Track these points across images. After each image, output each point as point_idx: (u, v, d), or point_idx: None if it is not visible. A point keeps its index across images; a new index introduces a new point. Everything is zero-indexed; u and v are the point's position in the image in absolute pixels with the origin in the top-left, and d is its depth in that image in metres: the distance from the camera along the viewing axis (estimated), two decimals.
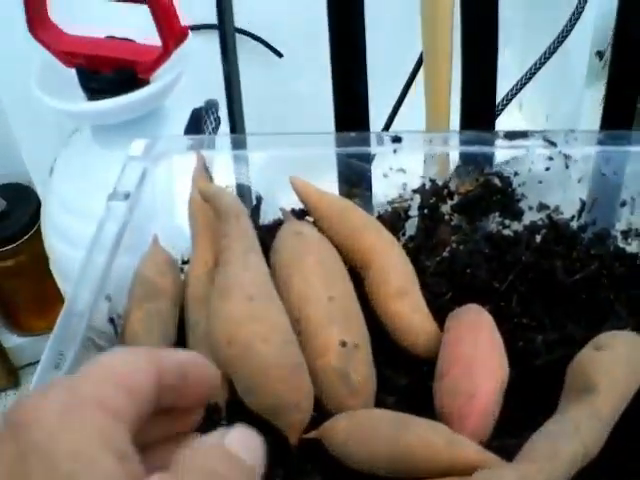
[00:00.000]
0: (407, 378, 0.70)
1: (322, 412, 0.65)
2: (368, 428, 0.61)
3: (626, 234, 0.79)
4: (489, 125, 0.84)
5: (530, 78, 1.46)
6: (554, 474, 0.57)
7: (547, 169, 0.78)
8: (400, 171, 0.79)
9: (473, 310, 0.70)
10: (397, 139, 0.79)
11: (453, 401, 0.65)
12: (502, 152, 0.81)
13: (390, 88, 1.48)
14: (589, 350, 0.67)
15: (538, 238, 0.77)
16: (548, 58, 1.45)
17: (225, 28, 0.84)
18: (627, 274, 0.77)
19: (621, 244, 0.78)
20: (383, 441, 0.60)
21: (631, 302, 0.75)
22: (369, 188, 0.84)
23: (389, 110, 1.50)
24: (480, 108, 0.84)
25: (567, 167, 0.77)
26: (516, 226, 0.79)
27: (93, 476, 0.31)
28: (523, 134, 0.78)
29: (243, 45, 1.63)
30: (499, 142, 0.80)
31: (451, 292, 0.74)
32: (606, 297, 0.76)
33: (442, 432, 0.62)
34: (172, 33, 1.01)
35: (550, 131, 0.78)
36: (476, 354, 0.66)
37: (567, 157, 0.78)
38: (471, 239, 0.78)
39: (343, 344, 0.66)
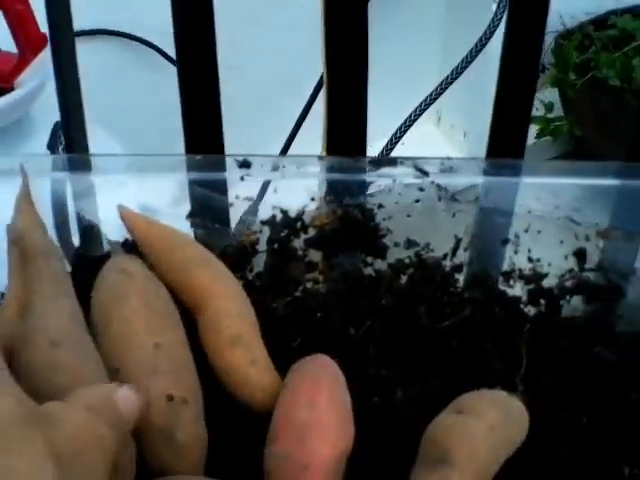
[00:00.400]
0: (244, 438, 0.61)
1: (146, 472, 0.56)
2: None
3: (508, 275, 0.70)
4: (358, 150, 0.74)
5: (446, 87, 1.38)
6: None
7: (417, 201, 0.68)
8: (247, 200, 0.68)
9: (316, 362, 0.61)
10: (245, 164, 0.69)
11: (284, 471, 0.56)
12: (371, 181, 0.71)
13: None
14: (448, 414, 0.58)
15: (404, 279, 0.67)
16: (467, 65, 1.36)
17: (57, 26, 0.73)
18: (507, 320, 0.68)
19: (502, 287, 0.68)
20: None
21: (509, 354, 0.66)
22: (225, 220, 0.74)
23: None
24: (348, 130, 0.74)
25: (440, 199, 0.68)
26: (380, 264, 0.68)
27: None
28: (391, 161, 0.70)
29: (136, 52, 1.56)
30: (364, 170, 0.69)
31: (300, 339, 0.64)
32: (481, 347, 0.66)
33: None
34: (29, 40, 0.99)
35: (422, 158, 0.68)
36: (312, 416, 0.58)
37: (440, 188, 0.68)
38: (326, 278, 0.67)
39: (170, 398, 0.57)
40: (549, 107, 1.92)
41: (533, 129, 1.91)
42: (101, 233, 0.75)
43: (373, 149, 1.22)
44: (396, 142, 1.43)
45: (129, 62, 1.64)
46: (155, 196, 0.74)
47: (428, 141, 1.89)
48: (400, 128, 1.43)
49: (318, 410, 0.58)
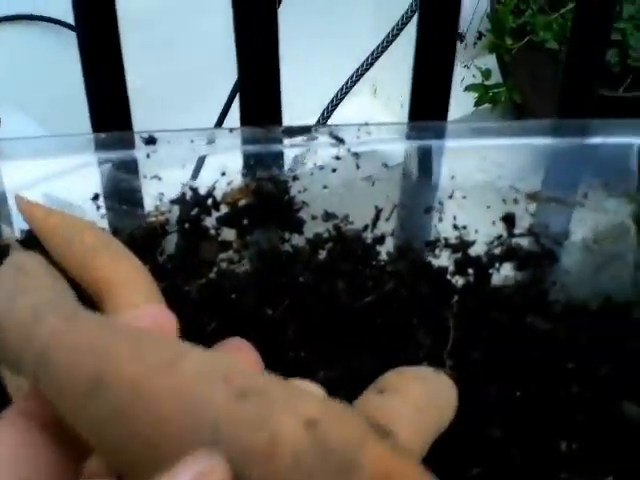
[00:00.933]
0: None
1: None
2: None
3: (433, 245, 0.66)
4: (271, 120, 0.70)
5: (379, 55, 1.34)
6: None
7: (334, 170, 0.64)
8: (155, 178, 0.64)
9: (230, 346, 0.56)
10: (151, 140, 0.65)
11: None
12: (285, 152, 0.67)
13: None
14: (370, 394, 0.54)
15: (323, 254, 0.63)
16: (399, 32, 1.33)
17: None
18: (433, 293, 0.64)
19: (427, 257, 0.64)
20: None
21: (436, 328, 0.62)
22: (135, 201, 0.69)
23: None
24: (261, 101, 0.70)
25: (358, 168, 0.64)
26: (297, 240, 0.64)
27: None
28: (305, 129, 0.65)
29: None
30: (278, 140, 0.65)
31: (215, 322, 0.59)
32: (406, 323, 0.62)
33: None
34: None
35: (339, 125, 0.64)
36: None
37: (358, 156, 0.64)
38: (241, 257, 0.63)
39: None
40: (486, 74, 1.88)
41: (471, 97, 1.88)
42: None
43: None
44: (331, 113, 1.40)
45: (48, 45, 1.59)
46: (63, 179, 0.70)
47: (365, 113, 1.85)
48: (334, 98, 1.39)
49: None
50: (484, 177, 0.70)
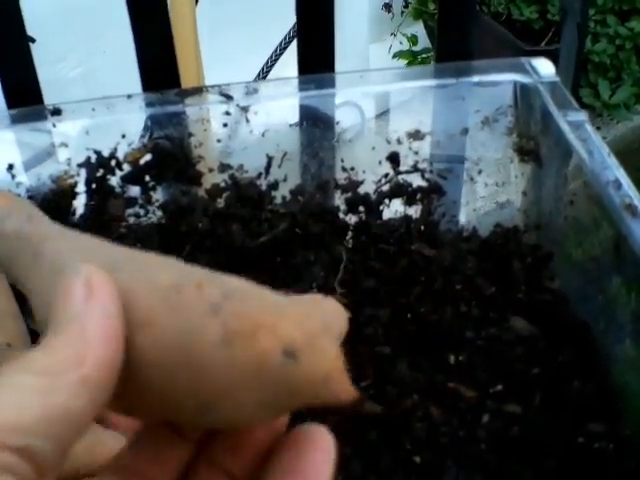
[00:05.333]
0: None
1: None
2: None
3: (323, 187, 0.71)
4: (172, 85, 0.75)
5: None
6: None
7: (225, 125, 0.69)
8: (63, 145, 0.69)
9: None
10: (56, 111, 0.70)
11: None
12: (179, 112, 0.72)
13: None
14: None
15: (221, 202, 0.68)
16: None
17: None
18: (327, 231, 0.69)
19: (319, 199, 0.69)
20: None
21: (331, 263, 0.67)
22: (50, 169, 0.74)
23: None
24: (158, 64, 0.75)
25: (247, 121, 0.69)
26: (199, 192, 0.69)
27: None
28: (197, 90, 0.70)
29: None
30: (172, 102, 0.70)
31: None
32: (303, 258, 0.67)
33: None
34: None
35: (227, 84, 0.69)
36: None
37: (246, 110, 0.69)
38: (147, 212, 0.68)
39: None
40: (413, 40, 1.94)
41: (401, 64, 1.93)
42: None
43: None
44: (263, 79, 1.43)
45: None
46: None
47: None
48: (264, 67, 1.43)
49: None
50: (369, 120, 0.76)
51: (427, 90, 0.78)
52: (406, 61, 1.93)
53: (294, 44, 1.39)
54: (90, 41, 1.59)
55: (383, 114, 0.76)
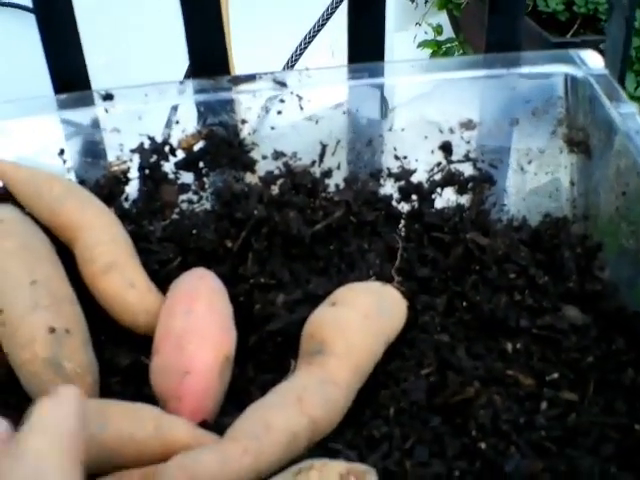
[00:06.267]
0: (130, 357, 0.63)
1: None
2: None
3: (377, 175, 0.71)
4: (223, 71, 0.75)
5: (331, 14, 1.38)
6: (264, 454, 0.48)
7: (279, 112, 0.70)
8: (115, 131, 0.69)
9: (194, 275, 0.63)
10: (108, 96, 0.70)
11: (166, 380, 0.58)
12: (239, 99, 0.72)
13: None
14: (324, 307, 0.60)
15: (275, 189, 0.68)
16: None
17: None
18: (381, 218, 0.70)
19: (373, 187, 0.70)
20: (87, 441, 0.52)
21: (385, 249, 0.68)
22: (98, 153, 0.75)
23: None
24: (209, 51, 0.75)
25: (302, 109, 0.69)
26: (251, 178, 0.70)
27: None
28: (250, 77, 0.71)
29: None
30: (225, 89, 0.71)
31: (180, 257, 0.65)
32: (358, 246, 0.68)
33: (149, 419, 0.55)
34: None
35: (280, 72, 0.70)
36: (189, 326, 0.59)
37: (300, 98, 0.70)
38: (200, 198, 0.69)
39: (52, 330, 0.59)
40: (438, 30, 1.95)
41: (426, 54, 1.94)
42: None
43: None
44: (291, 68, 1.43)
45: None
46: (32, 138, 0.75)
47: None
48: (292, 57, 1.43)
49: (195, 318, 0.60)
50: (420, 110, 0.76)
51: (478, 80, 0.79)
52: (430, 50, 1.93)
53: (323, 31, 1.41)
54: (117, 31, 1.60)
55: (434, 103, 0.76)
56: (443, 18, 1.95)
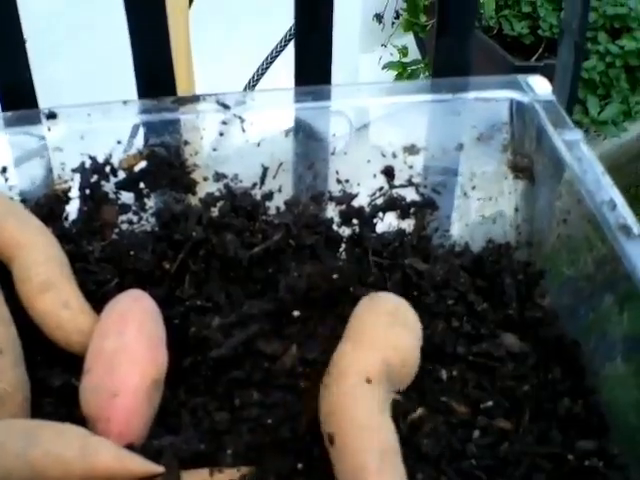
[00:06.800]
0: (63, 378, 0.63)
1: None
2: None
3: (317, 199, 0.72)
4: (169, 91, 0.76)
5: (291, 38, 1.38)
6: None
7: (221, 134, 0.70)
8: (57, 150, 0.69)
9: (128, 297, 0.63)
10: (52, 115, 0.70)
11: (96, 401, 0.58)
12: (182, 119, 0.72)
13: None
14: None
15: (215, 211, 0.68)
16: None
17: None
18: (321, 242, 0.70)
19: (313, 210, 0.70)
20: (11, 459, 0.52)
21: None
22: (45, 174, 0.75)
23: None
24: (157, 71, 0.75)
25: (244, 131, 0.70)
26: (192, 199, 0.70)
27: None
28: (194, 98, 0.71)
29: None
30: (168, 109, 0.71)
31: (117, 279, 0.65)
32: (296, 270, 0.68)
33: (75, 440, 0.55)
34: None
35: (223, 94, 0.70)
36: (120, 347, 0.60)
37: (242, 120, 0.70)
38: (140, 218, 0.69)
39: None
40: (404, 52, 1.96)
41: (391, 76, 1.95)
42: None
43: None
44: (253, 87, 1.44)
45: None
46: None
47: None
48: (254, 76, 1.43)
49: (127, 339, 0.60)
50: (364, 133, 0.76)
51: (423, 105, 0.79)
52: (395, 72, 1.94)
53: (285, 52, 1.41)
54: (80, 44, 1.60)
55: (379, 127, 0.76)
56: (409, 40, 1.97)
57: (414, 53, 1.96)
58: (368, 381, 0.56)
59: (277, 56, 1.44)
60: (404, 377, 0.60)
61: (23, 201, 0.71)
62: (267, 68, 1.43)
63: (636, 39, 1.88)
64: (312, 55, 0.82)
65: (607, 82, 1.85)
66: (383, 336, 0.60)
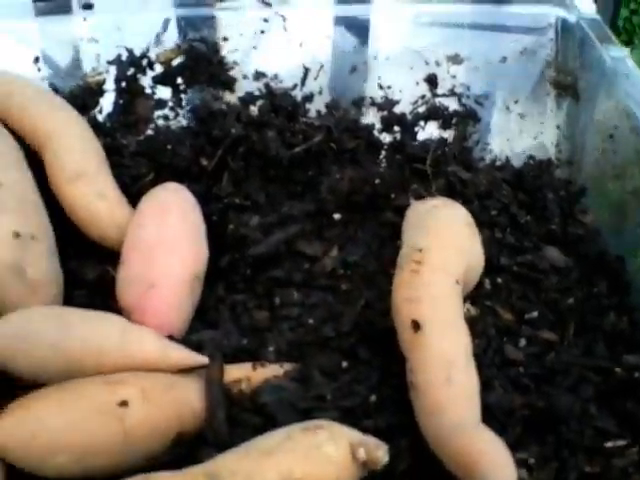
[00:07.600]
0: (97, 269, 0.61)
1: None
2: (31, 333, 0.50)
3: (358, 104, 0.69)
4: None
5: None
6: None
7: (262, 32, 0.67)
8: (92, 41, 0.67)
9: (167, 190, 0.61)
10: (88, 5, 0.68)
11: (132, 292, 0.56)
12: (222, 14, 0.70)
13: None
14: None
15: (254, 110, 0.66)
16: None
17: None
18: (362, 147, 0.68)
19: (354, 115, 0.68)
20: (45, 349, 0.50)
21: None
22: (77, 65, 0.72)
23: None
24: None
25: (285, 30, 0.67)
26: (230, 98, 0.68)
27: None
28: None
29: None
30: (207, 4, 0.68)
31: (153, 173, 0.63)
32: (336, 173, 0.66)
33: (114, 330, 0.52)
34: None
35: None
36: (159, 239, 0.57)
37: (285, 19, 0.68)
38: (176, 114, 0.66)
39: (16, 235, 0.56)
40: None
41: None
42: None
43: None
44: None
45: None
46: (6, 43, 0.72)
47: None
48: None
49: (167, 232, 0.58)
50: (407, 40, 0.74)
51: (467, 15, 0.77)
52: None
53: None
54: None
55: (423, 35, 0.74)
56: None
57: None
58: (457, 282, 0.54)
59: None
60: (471, 284, 0.59)
61: (55, 91, 0.68)
62: None
63: None
64: None
65: (630, 29, 1.82)
66: (468, 245, 0.58)
